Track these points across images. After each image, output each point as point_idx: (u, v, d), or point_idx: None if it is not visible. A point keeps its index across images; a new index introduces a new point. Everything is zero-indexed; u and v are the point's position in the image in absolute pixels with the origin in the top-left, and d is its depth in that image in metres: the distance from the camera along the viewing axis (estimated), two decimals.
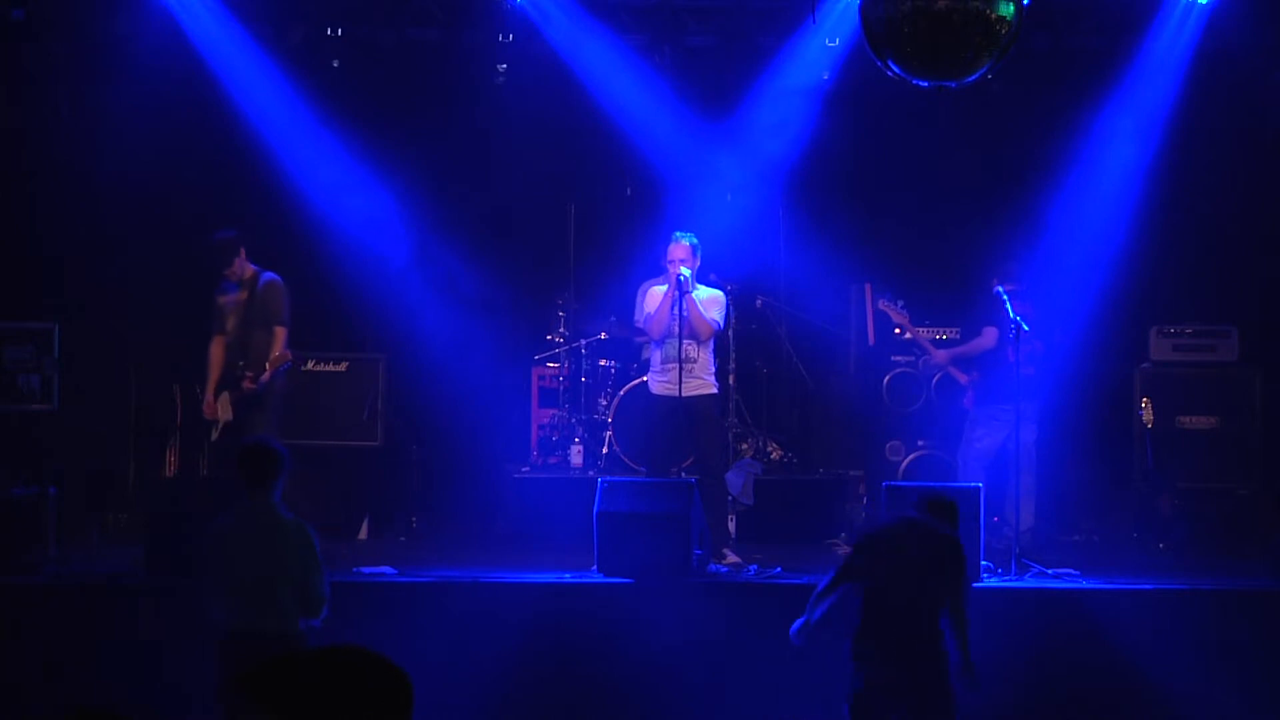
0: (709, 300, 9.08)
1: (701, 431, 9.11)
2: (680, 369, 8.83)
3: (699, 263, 9.14)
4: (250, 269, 9.17)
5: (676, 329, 8.87)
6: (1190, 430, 10.28)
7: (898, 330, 10.91)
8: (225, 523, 6.49)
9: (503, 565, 8.80)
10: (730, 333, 10.78)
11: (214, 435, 9.13)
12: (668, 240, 11.08)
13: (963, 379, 9.77)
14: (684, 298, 8.87)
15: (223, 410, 9.04)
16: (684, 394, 8.90)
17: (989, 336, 9.54)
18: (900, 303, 10.27)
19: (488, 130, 11.33)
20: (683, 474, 9.43)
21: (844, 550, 7.34)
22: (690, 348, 8.97)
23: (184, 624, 7.85)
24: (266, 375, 8.94)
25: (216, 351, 9.12)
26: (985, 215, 10.86)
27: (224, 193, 10.84)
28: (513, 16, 10.75)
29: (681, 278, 8.88)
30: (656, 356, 9.11)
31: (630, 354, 11.13)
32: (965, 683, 6.32)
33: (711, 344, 9.14)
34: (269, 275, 9.20)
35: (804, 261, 11.37)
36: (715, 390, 9.20)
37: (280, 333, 9.06)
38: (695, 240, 9.16)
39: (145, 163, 10.67)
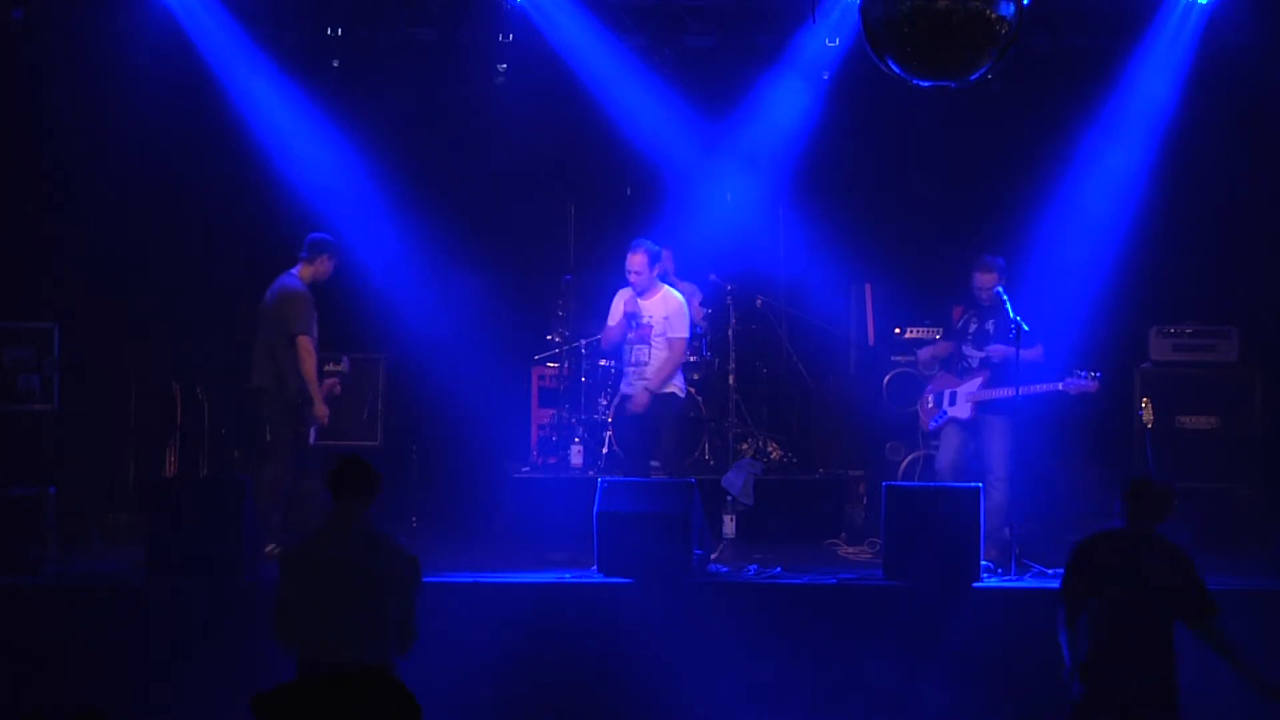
0: (674, 315, 9.45)
1: (664, 429, 9.47)
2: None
3: (657, 270, 9.52)
4: None
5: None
6: (1190, 430, 10.27)
7: (897, 330, 10.93)
8: (311, 543, 5.96)
9: (503, 565, 8.80)
10: (730, 333, 10.80)
11: (314, 438, 9.15)
12: (667, 241, 11.16)
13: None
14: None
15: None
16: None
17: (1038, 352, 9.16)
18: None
19: (487, 130, 11.33)
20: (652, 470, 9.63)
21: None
22: (641, 351, 9.44)
23: (184, 625, 7.88)
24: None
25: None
26: (985, 215, 10.87)
27: (224, 192, 10.87)
28: (513, 16, 10.75)
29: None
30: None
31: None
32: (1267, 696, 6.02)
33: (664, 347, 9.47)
34: None
35: (804, 261, 11.38)
36: (675, 391, 9.45)
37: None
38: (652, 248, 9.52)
39: (145, 163, 10.71)
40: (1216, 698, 7.51)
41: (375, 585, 5.73)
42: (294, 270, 9.16)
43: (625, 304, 9.54)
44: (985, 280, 9.24)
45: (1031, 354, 8.99)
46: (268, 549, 8.59)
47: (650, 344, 9.41)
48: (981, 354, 9.28)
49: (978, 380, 9.26)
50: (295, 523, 8.74)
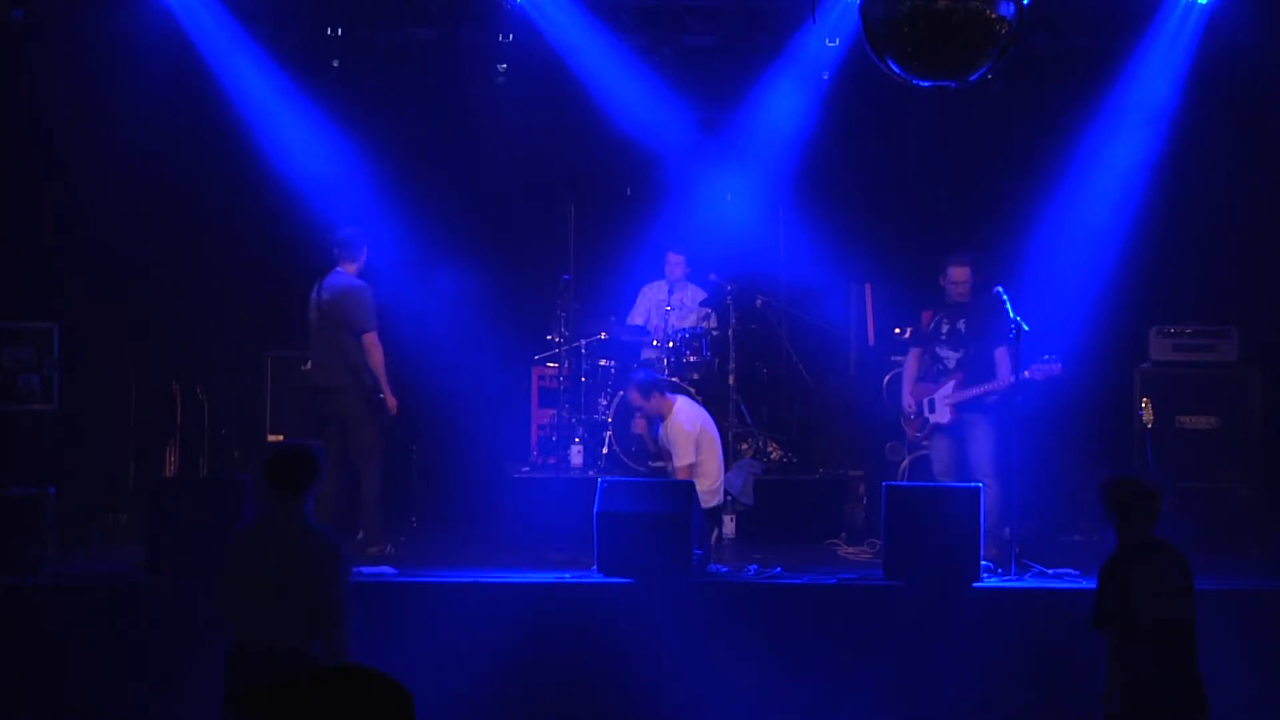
0: (675, 445, 9.63)
1: None
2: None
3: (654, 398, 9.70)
4: None
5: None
6: (1190, 430, 10.27)
7: (897, 330, 10.92)
8: (249, 528, 6.14)
9: (503, 565, 8.80)
10: (730, 333, 10.80)
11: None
12: (667, 241, 11.18)
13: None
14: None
15: None
16: None
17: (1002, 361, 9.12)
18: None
19: (487, 130, 11.33)
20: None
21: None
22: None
23: (184, 625, 7.87)
24: None
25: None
26: (985, 215, 10.87)
27: (223, 192, 10.86)
28: (512, 16, 10.76)
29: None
30: None
31: (630, 354, 11.13)
32: None
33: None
34: None
35: (804, 261, 11.37)
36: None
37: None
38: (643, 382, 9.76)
39: (145, 163, 10.70)
40: (1217, 697, 7.53)
41: (302, 577, 5.79)
42: (339, 269, 9.26)
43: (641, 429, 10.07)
44: (958, 274, 9.28)
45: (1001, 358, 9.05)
46: (386, 550, 9.00)
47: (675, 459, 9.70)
48: (958, 355, 9.30)
49: (951, 383, 9.27)
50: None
